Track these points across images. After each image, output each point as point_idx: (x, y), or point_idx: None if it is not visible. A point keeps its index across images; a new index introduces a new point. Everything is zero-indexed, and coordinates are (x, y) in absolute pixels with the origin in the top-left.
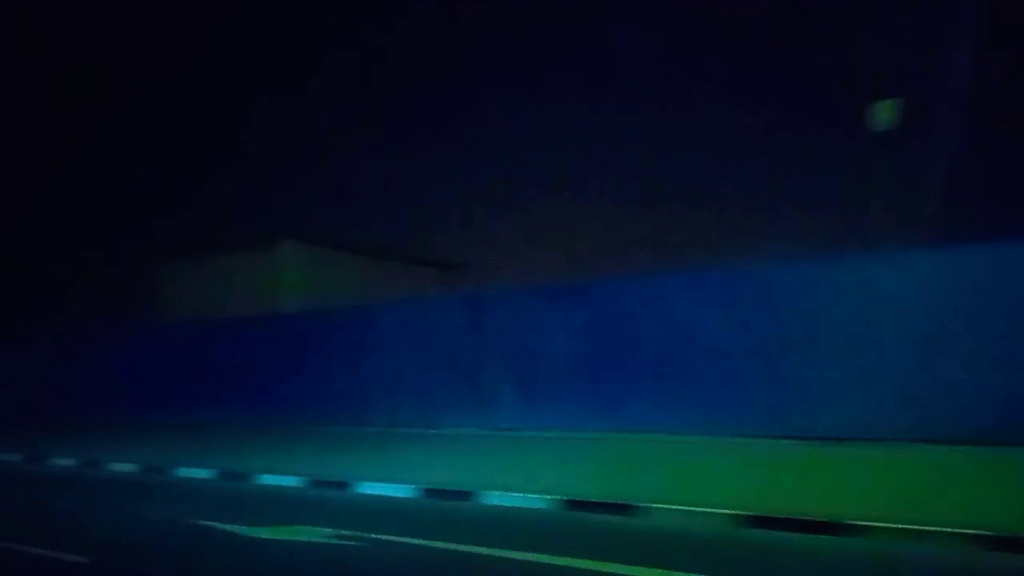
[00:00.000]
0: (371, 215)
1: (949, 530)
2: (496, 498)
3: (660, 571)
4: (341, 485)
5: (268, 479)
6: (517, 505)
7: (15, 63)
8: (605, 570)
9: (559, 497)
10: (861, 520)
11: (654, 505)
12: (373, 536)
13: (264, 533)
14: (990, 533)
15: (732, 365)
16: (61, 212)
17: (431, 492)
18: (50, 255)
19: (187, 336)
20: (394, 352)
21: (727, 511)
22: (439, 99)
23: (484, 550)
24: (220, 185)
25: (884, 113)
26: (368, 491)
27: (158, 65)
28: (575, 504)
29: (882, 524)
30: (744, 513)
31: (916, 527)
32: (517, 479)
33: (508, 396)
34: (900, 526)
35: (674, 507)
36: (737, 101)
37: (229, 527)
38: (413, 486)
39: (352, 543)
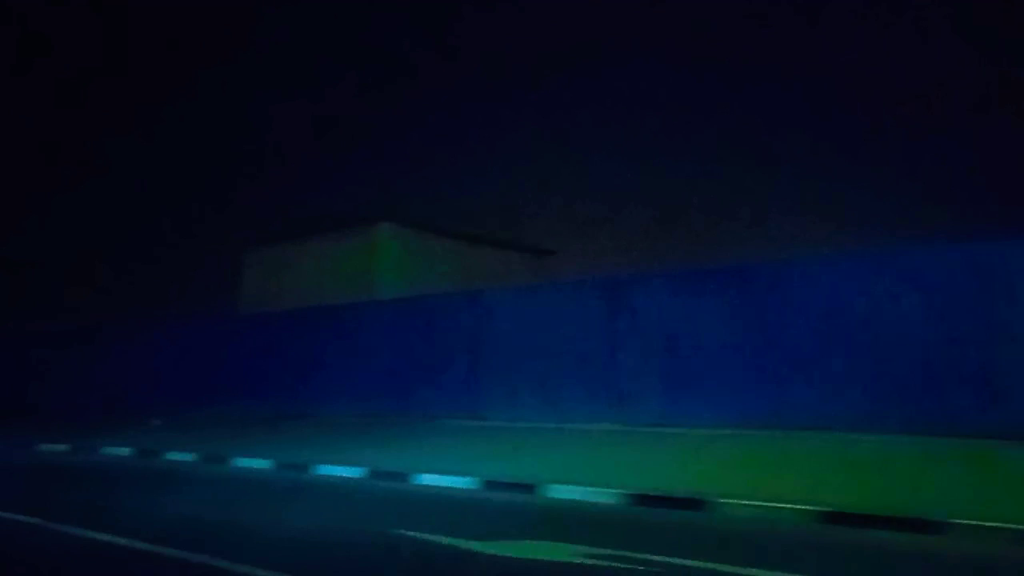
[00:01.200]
0: (465, 198)
1: None
2: (739, 510)
3: None
4: (527, 488)
5: (431, 479)
6: (760, 517)
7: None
8: None
9: (816, 508)
10: None
11: (958, 521)
12: (633, 555)
13: (501, 550)
14: None
15: (928, 355)
16: (144, 199)
17: (644, 499)
18: (138, 245)
19: (286, 324)
20: (512, 342)
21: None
22: (536, 86)
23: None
24: (311, 166)
25: None
26: (562, 495)
27: (249, 47)
28: (836, 517)
29: None
30: None
31: None
32: (747, 484)
33: (650, 389)
34: None
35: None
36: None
37: (448, 540)
38: (617, 491)
39: (621, 565)
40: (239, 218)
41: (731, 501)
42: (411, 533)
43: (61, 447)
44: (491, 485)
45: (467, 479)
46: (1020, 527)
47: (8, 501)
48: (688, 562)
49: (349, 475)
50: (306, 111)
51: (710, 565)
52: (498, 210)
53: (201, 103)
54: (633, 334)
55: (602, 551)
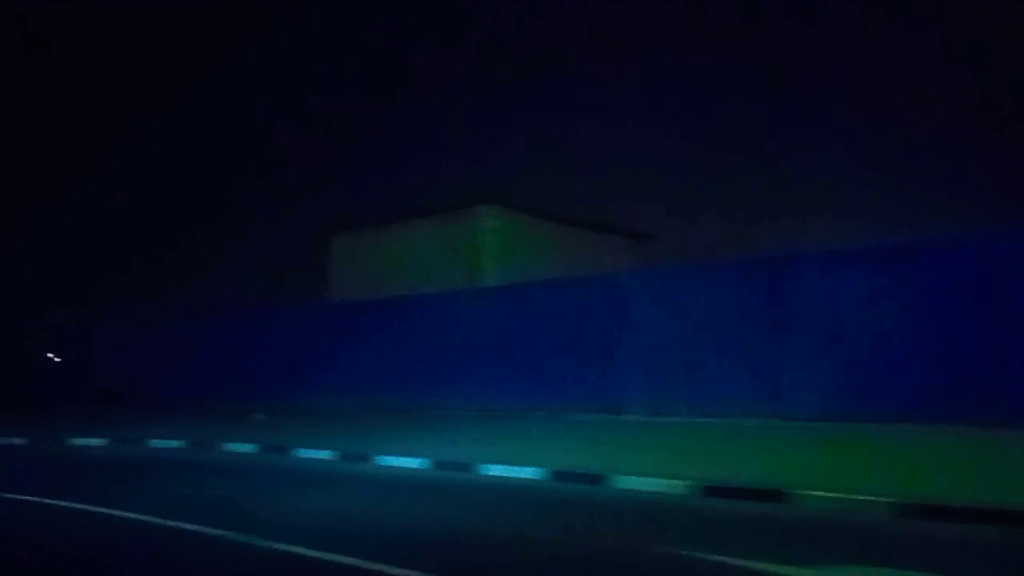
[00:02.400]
0: (567, 181)
1: None
2: None
3: None
4: (771, 495)
5: (636, 482)
6: None
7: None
8: None
9: None
10: None
11: None
12: None
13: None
14: None
15: None
16: (229, 184)
17: (924, 510)
18: (223, 232)
19: (385, 312)
20: (653, 328)
21: None
22: (639, 73)
23: None
24: (402, 149)
25: None
26: (817, 504)
27: (339, 26)
28: None
29: None
30: None
31: None
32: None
33: (814, 381)
34: None
35: None
36: None
37: (742, 563)
38: (883, 499)
39: None
40: (327, 203)
41: None
42: (688, 552)
43: (174, 443)
44: (716, 492)
45: (680, 482)
46: None
47: (155, 506)
48: None
49: (525, 476)
50: (397, 92)
51: None
52: (596, 193)
53: (289, 86)
54: (798, 319)
55: None
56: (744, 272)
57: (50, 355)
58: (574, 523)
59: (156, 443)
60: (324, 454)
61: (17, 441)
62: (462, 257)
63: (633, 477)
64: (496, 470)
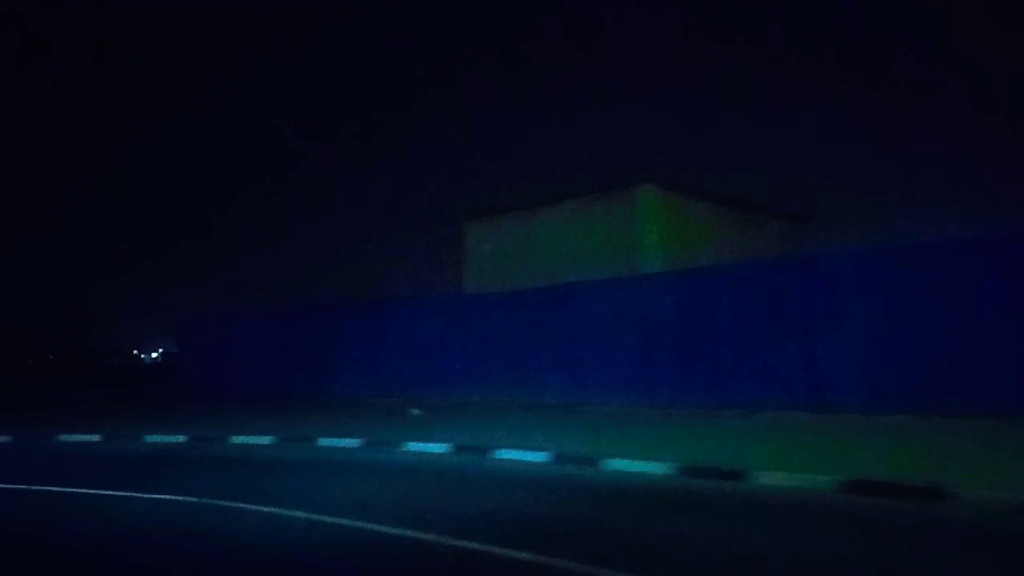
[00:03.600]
0: (726, 160)
1: None
2: None
3: None
4: None
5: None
6: None
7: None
8: None
9: None
10: None
11: None
12: None
13: None
14: None
15: None
16: (358, 170)
17: None
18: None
19: (536, 302)
20: (867, 315)
21: None
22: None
23: None
24: (553, 124)
25: None
26: None
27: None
28: None
29: None
30: None
31: None
32: None
33: None
34: None
35: None
36: None
37: None
38: None
39: None
40: (462, 189)
41: None
42: None
43: (347, 442)
44: None
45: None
46: None
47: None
48: None
49: (811, 485)
50: (535, 67)
51: None
52: (754, 173)
53: (416, 65)
54: None
55: None
56: (996, 247)
57: (155, 353)
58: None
59: (326, 442)
60: (537, 456)
61: (178, 439)
62: (618, 241)
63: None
64: (772, 477)
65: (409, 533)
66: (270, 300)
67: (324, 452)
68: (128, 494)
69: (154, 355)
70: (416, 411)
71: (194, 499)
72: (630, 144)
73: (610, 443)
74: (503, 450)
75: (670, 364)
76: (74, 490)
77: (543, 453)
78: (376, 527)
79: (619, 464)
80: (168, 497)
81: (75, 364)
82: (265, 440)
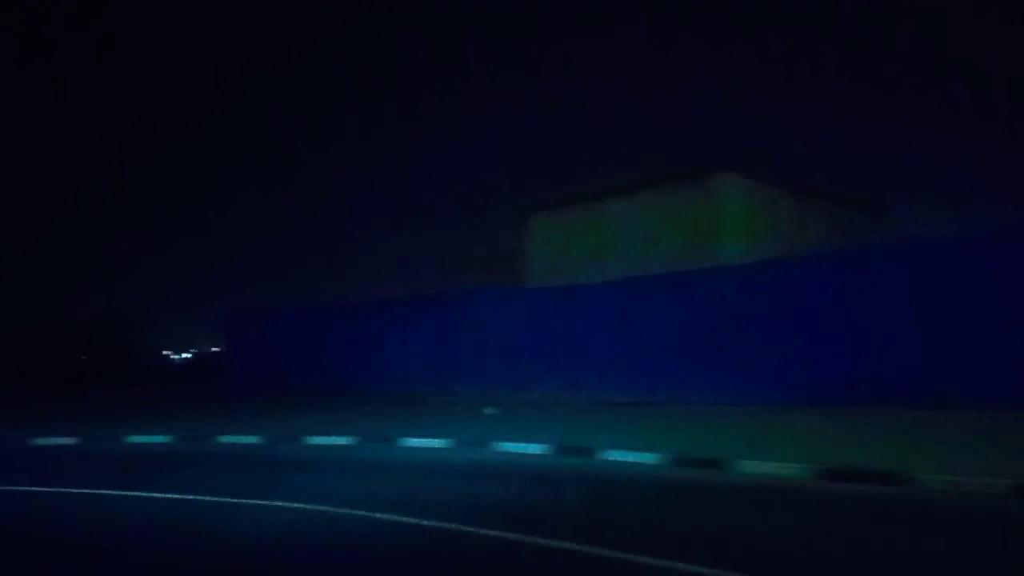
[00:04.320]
0: (807, 148)
1: None
2: None
3: None
4: None
5: None
6: None
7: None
8: None
9: None
10: None
11: None
12: None
13: None
14: None
15: None
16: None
17: None
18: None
19: (602, 296)
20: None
21: None
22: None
23: None
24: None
25: None
26: None
27: None
28: None
29: None
30: None
31: None
32: None
33: None
34: None
35: None
36: None
37: None
38: None
39: None
40: (524, 181)
41: None
42: None
43: (435, 442)
44: None
45: None
46: None
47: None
48: None
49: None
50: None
51: None
52: (828, 161)
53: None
54: None
55: None
56: None
57: (186, 353)
58: None
59: (413, 442)
60: (647, 457)
61: (251, 440)
62: (696, 231)
63: None
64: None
65: (653, 561)
66: (319, 297)
67: (412, 453)
68: (252, 502)
69: (185, 355)
70: (490, 409)
71: (326, 508)
72: (699, 132)
73: (728, 443)
74: (611, 451)
75: (764, 359)
76: (174, 496)
77: (654, 455)
78: (582, 548)
79: (751, 467)
80: (284, 504)
81: (117, 364)
82: (343, 440)
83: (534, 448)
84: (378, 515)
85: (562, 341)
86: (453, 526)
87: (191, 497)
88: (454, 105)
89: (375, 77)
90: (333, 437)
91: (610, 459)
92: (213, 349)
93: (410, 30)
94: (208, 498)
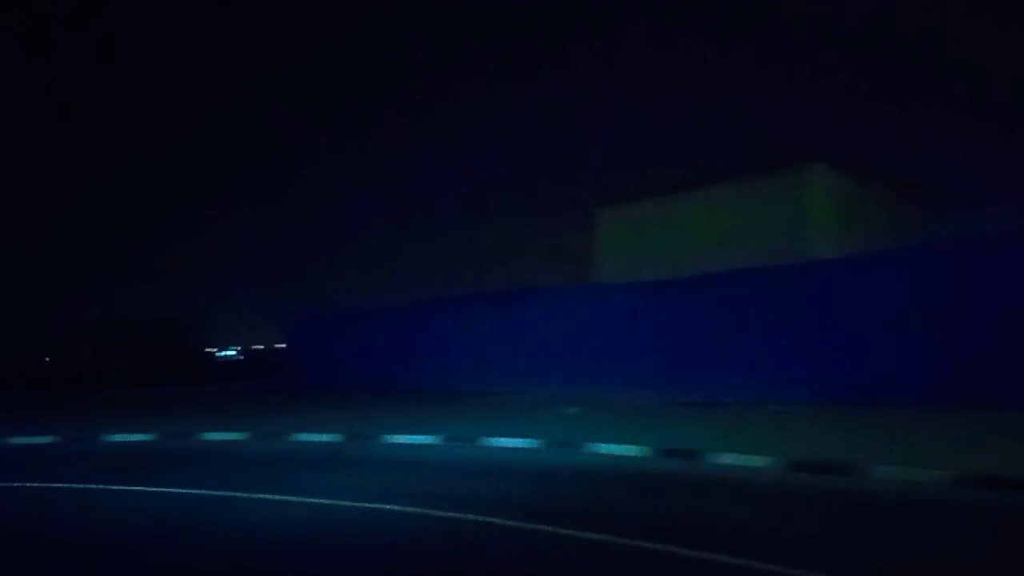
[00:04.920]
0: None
1: None
2: None
3: None
4: None
5: None
6: None
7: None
8: None
9: None
10: None
11: None
12: None
13: None
14: None
15: None
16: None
17: None
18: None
19: (688, 291)
20: None
21: None
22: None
23: None
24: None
25: None
26: None
27: None
28: None
29: None
30: None
31: None
32: None
33: None
34: None
35: None
36: None
37: None
38: None
39: None
40: (590, 173)
41: None
42: None
43: (523, 442)
44: None
45: None
46: None
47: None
48: None
49: None
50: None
51: None
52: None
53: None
54: None
55: None
56: None
57: (232, 351)
58: None
59: (502, 442)
60: (755, 461)
61: (332, 438)
62: (782, 224)
63: None
64: None
65: None
66: (380, 295)
67: (500, 454)
68: (372, 506)
69: (228, 352)
70: (573, 409)
71: (436, 511)
72: (784, 123)
73: (853, 447)
74: (718, 453)
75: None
76: (275, 497)
77: (768, 457)
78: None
79: (888, 471)
80: (399, 508)
81: (182, 362)
82: (426, 440)
83: (631, 450)
84: (510, 522)
85: (638, 339)
86: (594, 535)
87: (294, 499)
88: (520, 97)
89: (436, 71)
90: (414, 436)
91: (720, 462)
92: (255, 347)
93: (475, 21)
94: (301, 499)
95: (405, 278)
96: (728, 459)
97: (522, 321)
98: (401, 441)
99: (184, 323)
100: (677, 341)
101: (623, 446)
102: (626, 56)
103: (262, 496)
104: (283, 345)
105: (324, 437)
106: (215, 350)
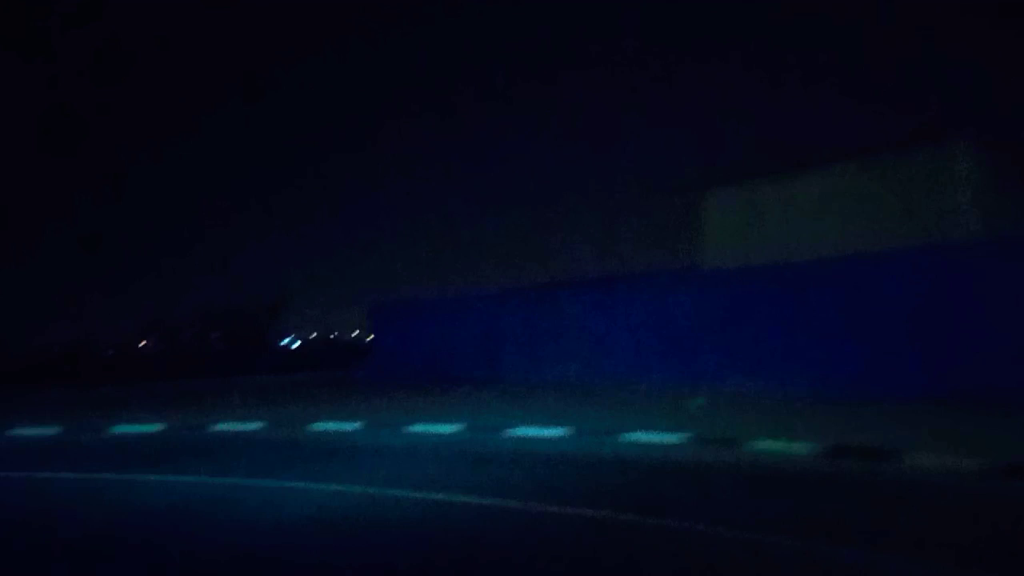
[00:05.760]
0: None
1: None
2: None
3: None
4: None
5: None
6: None
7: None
8: None
9: None
10: None
11: None
12: None
13: None
14: None
15: None
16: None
17: None
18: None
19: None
20: None
21: None
22: None
23: None
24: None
25: None
26: None
27: None
28: None
29: None
30: None
31: None
32: None
33: None
34: None
35: None
36: None
37: None
38: None
39: None
40: (698, 154)
41: None
42: None
43: (663, 437)
44: None
45: None
46: None
47: None
48: None
49: None
50: None
51: None
52: None
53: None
54: None
55: None
56: None
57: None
58: None
59: (641, 436)
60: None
61: (449, 429)
62: (920, 206)
63: None
64: None
65: None
66: (484, 279)
67: (646, 450)
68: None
69: (285, 341)
70: (699, 401)
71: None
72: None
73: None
74: (920, 452)
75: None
76: (419, 496)
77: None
78: None
79: None
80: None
81: (253, 349)
82: (554, 433)
83: (797, 447)
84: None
85: (758, 327)
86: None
87: (440, 497)
88: (625, 75)
89: (544, 51)
90: (541, 428)
91: (917, 463)
92: (332, 335)
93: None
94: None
95: (505, 264)
96: (926, 460)
97: (631, 309)
98: (526, 434)
99: (261, 312)
100: (803, 329)
101: (780, 442)
102: (737, 30)
103: (409, 494)
104: (369, 335)
105: (444, 428)
106: (288, 339)
